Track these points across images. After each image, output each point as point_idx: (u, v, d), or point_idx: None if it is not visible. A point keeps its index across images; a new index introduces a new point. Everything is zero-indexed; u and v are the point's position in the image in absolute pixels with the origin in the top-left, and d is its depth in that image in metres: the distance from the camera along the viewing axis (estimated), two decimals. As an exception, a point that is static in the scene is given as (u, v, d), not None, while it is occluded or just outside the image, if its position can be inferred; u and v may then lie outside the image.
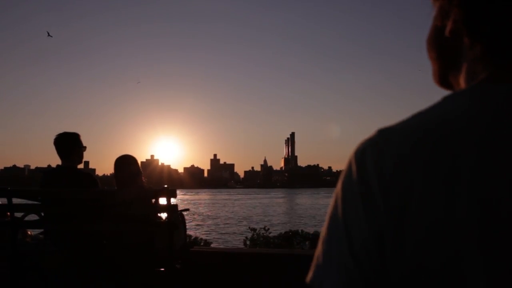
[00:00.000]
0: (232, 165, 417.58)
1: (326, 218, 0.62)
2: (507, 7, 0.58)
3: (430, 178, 0.55)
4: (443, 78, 0.70)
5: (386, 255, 0.56)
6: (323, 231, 0.62)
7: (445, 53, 0.68)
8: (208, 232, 25.87)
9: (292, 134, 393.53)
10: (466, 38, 0.63)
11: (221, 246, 13.91)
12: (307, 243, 8.10)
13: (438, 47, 0.68)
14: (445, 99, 0.61)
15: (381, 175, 0.57)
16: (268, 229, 8.25)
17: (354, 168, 0.60)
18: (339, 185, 0.62)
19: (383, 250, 0.56)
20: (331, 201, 0.63)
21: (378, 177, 0.58)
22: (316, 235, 8.41)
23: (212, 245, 9.13)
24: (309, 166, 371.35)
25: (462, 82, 0.66)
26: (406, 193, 0.55)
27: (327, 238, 0.61)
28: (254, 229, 8.18)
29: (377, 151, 0.59)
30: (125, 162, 4.28)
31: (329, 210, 0.62)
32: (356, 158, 0.61)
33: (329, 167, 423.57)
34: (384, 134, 0.61)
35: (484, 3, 0.59)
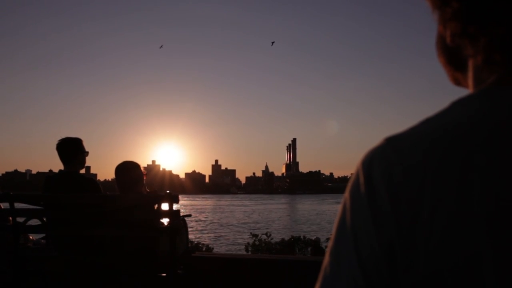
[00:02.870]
0: (233, 171, 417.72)
1: (334, 227, 0.61)
2: (502, 18, 0.57)
3: (441, 184, 0.54)
4: (456, 81, 0.70)
5: (397, 266, 0.55)
6: (330, 241, 0.61)
7: (452, 59, 0.67)
8: (210, 238, 25.85)
9: (294, 140, 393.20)
10: (465, 49, 0.62)
11: (223, 252, 13.88)
12: (309, 249, 8.09)
13: (445, 53, 0.68)
14: (454, 104, 0.60)
15: (390, 185, 0.56)
16: (270, 235, 8.25)
17: (361, 179, 0.59)
18: (346, 195, 0.61)
19: (393, 262, 0.55)
20: (338, 210, 0.62)
21: (386, 187, 0.56)
22: (317, 241, 8.41)
23: (214, 251, 9.12)
24: (310, 172, 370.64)
25: (470, 86, 0.65)
26: (417, 200, 0.54)
27: (335, 250, 0.59)
28: (256, 235, 8.18)
29: (385, 160, 0.58)
30: (125, 168, 4.28)
31: (336, 219, 0.61)
32: (364, 168, 0.59)
33: (331, 173, 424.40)
34: (392, 143, 0.59)
35: (479, 15, 0.58)
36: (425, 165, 0.55)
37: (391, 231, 0.55)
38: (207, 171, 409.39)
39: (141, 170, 4.35)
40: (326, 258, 0.61)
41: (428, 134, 0.57)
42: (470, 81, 0.65)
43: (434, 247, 0.53)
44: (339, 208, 0.62)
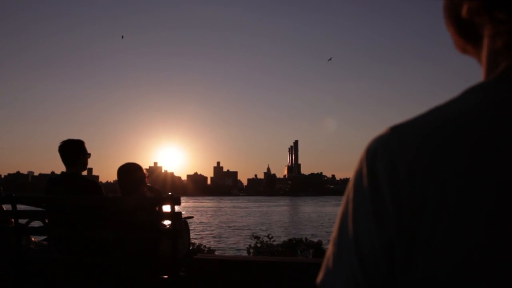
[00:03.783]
0: (235, 173, 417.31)
1: (338, 216, 0.59)
2: None
3: (445, 181, 0.50)
4: (464, 51, 0.65)
5: (396, 266, 0.53)
6: (334, 230, 0.59)
7: (464, 31, 0.63)
8: (211, 240, 25.84)
9: (296, 142, 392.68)
10: (484, 28, 0.58)
11: (225, 254, 13.86)
12: (311, 251, 8.08)
13: (455, 23, 0.63)
14: (464, 94, 0.57)
15: (393, 181, 0.53)
16: (272, 237, 8.24)
17: (364, 170, 0.56)
18: (350, 185, 0.58)
19: (392, 261, 0.53)
20: (342, 200, 0.59)
21: (389, 183, 0.53)
22: (320, 244, 8.39)
23: (215, 253, 9.11)
24: (312, 174, 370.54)
25: (483, 60, 0.61)
26: (419, 198, 0.51)
27: (338, 241, 0.57)
28: (257, 237, 8.16)
29: (389, 152, 0.54)
30: (127, 170, 4.29)
31: (340, 209, 0.59)
32: (367, 159, 0.56)
33: (333, 175, 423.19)
34: (396, 133, 0.56)
35: None
36: (429, 160, 0.52)
37: (391, 229, 0.53)
38: (209, 173, 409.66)
39: (143, 171, 4.35)
40: (330, 247, 0.59)
41: (434, 125, 0.54)
42: (483, 60, 0.61)
43: (435, 249, 0.50)
44: (343, 198, 0.60)
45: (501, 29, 0.56)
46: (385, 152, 0.55)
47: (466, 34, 0.63)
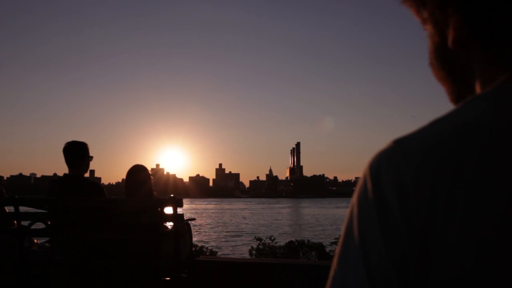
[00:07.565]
0: (237, 175, 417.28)
1: (341, 234, 0.57)
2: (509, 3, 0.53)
3: (454, 190, 0.50)
4: (459, 97, 0.65)
5: (408, 279, 0.51)
6: (338, 248, 0.57)
7: (454, 68, 0.63)
8: (213, 242, 25.82)
9: (298, 144, 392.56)
10: (473, 44, 0.58)
11: (227, 256, 13.85)
12: (313, 253, 8.06)
13: (445, 63, 0.64)
14: (465, 104, 0.56)
15: (400, 192, 0.52)
16: (274, 239, 8.23)
17: (369, 184, 0.54)
18: (354, 200, 0.56)
19: (404, 274, 0.51)
20: (346, 216, 0.58)
21: (397, 195, 0.52)
22: (322, 246, 8.37)
23: (217, 255, 9.12)
24: (314, 176, 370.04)
25: (478, 87, 0.61)
26: (429, 208, 0.50)
27: (343, 258, 0.55)
28: (260, 239, 8.16)
29: (394, 165, 0.53)
30: (131, 171, 4.35)
31: (344, 226, 0.57)
32: (371, 174, 0.55)
33: (335, 177, 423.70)
34: (401, 145, 0.54)
35: (486, 3, 0.54)
36: (436, 170, 0.51)
37: (402, 241, 0.51)
38: (211, 175, 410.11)
39: (147, 172, 4.40)
40: (334, 266, 0.57)
41: (438, 135, 0.53)
42: (477, 83, 0.60)
43: (449, 251, 0.49)
44: (346, 213, 0.58)
45: (487, 41, 0.56)
46: (390, 164, 0.54)
47: (457, 71, 0.63)
